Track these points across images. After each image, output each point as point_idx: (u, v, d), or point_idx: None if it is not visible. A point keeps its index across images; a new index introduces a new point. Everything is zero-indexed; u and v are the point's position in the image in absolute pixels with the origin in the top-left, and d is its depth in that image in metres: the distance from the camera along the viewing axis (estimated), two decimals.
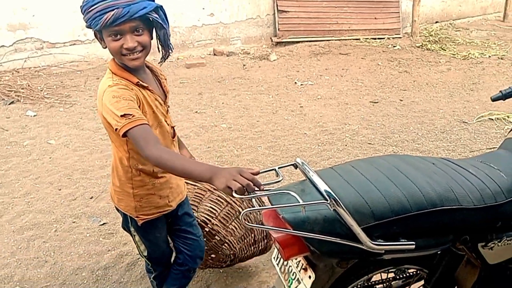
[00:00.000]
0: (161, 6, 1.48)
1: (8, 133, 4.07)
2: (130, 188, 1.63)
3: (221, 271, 2.37)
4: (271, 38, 6.81)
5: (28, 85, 5.05)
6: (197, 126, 4.20)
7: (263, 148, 3.82)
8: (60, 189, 3.20)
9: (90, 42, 5.73)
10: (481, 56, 6.33)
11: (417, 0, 6.98)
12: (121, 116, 1.37)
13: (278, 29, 6.71)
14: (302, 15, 6.77)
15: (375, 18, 7.16)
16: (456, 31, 7.87)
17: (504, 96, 1.67)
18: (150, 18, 1.45)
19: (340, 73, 5.74)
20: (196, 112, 4.52)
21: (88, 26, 1.47)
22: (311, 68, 5.95)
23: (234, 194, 1.23)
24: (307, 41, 6.80)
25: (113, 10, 1.37)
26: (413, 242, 1.24)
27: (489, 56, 6.32)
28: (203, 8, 6.28)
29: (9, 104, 4.67)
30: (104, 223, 2.83)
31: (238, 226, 2.08)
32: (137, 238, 1.77)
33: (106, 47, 1.49)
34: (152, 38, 1.54)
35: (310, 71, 5.82)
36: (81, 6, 1.45)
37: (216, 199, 2.10)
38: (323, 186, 1.17)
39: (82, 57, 5.77)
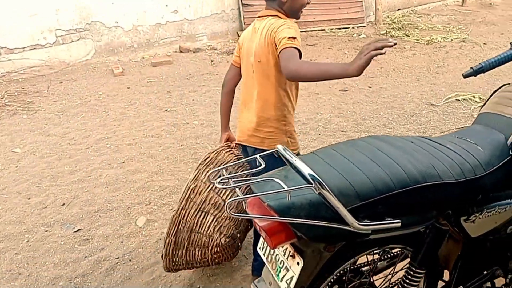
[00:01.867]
0: None
1: None
2: (283, 125, 1.93)
3: (203, 268, 2.33)
4: (237, 32, 6.76)
5: None
6: (168, 124, 4.12)
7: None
8: (29, 198, 3.07)
9: (50, 45, 5.54)
10: (444, 40, 6.48)
11: None
12: (292, 38, 1.72)
13: (244, 23, 6.67)
14: None
15: (339, 9, 7.22)
16: (418, 17, 8.03)
17: (475, 72, 1.69)
18: None
19: None
20: (166, 110, 4.43)
21: None
22: None
23: (217, 185, 1.20)
24: None
25: None
26: (399, 220, 1.23)
27: (451, 40, 6.47)
28: (166, 5, 6.16)
29: None
30: (78, 230, 2.74)
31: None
32: None
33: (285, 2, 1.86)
34: None
35: None
36: None
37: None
38: (306, 170, 1.14)
39: (43, 61, 5.57)
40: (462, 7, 8.74)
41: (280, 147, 1.26)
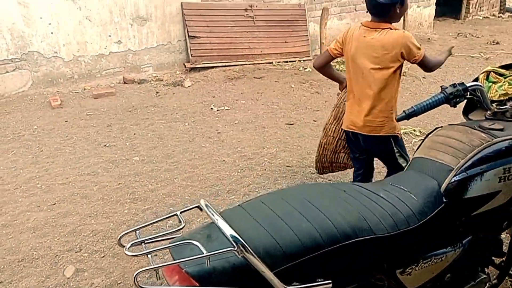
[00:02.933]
0: None
1: None
2: (391, 113, 2.47)
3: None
4: (184, 64, 6.68)
5: None
6: (106, 161, 3.91)
7: (180, 179, 3.63)
8: None
9: None
10: None
11: (323, 23, 7.26)
12: (419, 48, 2.34)
13: (191, 54, 6.61)
14: (214, 40, 6.74)
15: (286, 42, 7.33)
16: None
17: (407, 115, 1.68)
18: None
19: (255, 97, 5.74)
20: (105, 145, 4.22)
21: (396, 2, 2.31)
22: (226, 93, 5.89)
23: (126, 252, 1.06)
24: (221, 66, 6.76)
25: None
26: (329, 281, 1.15)
27: None
28: (110, 36, 6.00)
29: None
30: None
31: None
32: (398, 154, 2.56)
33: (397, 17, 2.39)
34: None
35: (226, 96, 5.75)
36: None
37: None
38: (229, 231, 1.04)
39: None
40: None
41: (202, 203, 1.16)
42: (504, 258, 1.92)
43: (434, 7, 10.45)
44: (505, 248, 1.91)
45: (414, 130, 4.54)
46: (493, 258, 1.88)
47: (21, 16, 5.37)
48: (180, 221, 1.19)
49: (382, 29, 2.36)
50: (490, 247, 1.77)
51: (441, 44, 9.10)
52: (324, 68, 2.74)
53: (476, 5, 12.34)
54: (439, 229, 1.46)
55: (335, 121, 2.97)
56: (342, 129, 2.82)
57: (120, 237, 1.12)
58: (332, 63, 2.79)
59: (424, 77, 6.57)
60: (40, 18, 5.49)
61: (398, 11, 2.36)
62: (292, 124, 4.85)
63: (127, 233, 1.20)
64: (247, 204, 1.30)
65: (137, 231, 1.19)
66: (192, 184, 3.55)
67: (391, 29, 2.34)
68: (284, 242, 1.13)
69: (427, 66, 2.41)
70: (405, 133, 4.47)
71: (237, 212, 1.25)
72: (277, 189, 3.51)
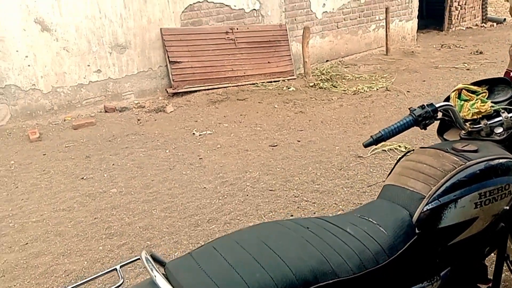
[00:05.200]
0: None
1: None
2: None
3: None
4: (166, 89, 6.61)
5: None
6: (83, 194, 3.78)
7: (158, 210, 3.51)
8: None
9: None
10: (370, 89, 6.67)
11: (305, 42, 7.26)
12: None
13: (173, 80, 6.54)
14: (196, 64, 6.69)
15: (269, 62, 7.30)
16: (345, 67, 8.30)
17: (375, 140, 1.58)
18: None
19: (238, 119, 5.66)
20: (83, 178, 4.09)
21: None
22: (209, 116, 5.81)
23: None
24: (204, 89, 6.70)
25: None
26: None
27: (377, 89, 6.67)
28: (88, 65, 5.92)
29: None
30: None
31: None
32: None
33: None
34: None
35: (208, 120, 5.67)
36: None
37: None
38: None
39: None
40: (386, 56, 9.17)
41: (143, 256, 1.04)
42: (490, 284, 1.81)
43: (417, 20, 10.53)
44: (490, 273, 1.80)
45: (399, 146, 4.46)
46: (478, 285, 1.77)
47: None
48: (119, 277, 1.07)
49: None
50: (473, 275, 1.66)
51: (424, 56, 9.14)
52: None
53: (458, 16, 12.48)
54: (413, 263, 1.35)
55: None
56: None
57: None
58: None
59: (408, 91, 6.54)
60: (16, 51, 5.41)
61: None
62: (276, 145, 4.76)
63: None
64: (197, 252, 1.18)
65: None
66: (171, 215, 3.42)
67: None
68: None
69: None
70: (389, 149, 4.40)
71: (185, 263, 1.13)
72: (259, 215, 3.39)
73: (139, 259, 1.08)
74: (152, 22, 6.34)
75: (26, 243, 3.15)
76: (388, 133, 1.58)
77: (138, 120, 5.72)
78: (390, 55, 9.25)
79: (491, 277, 1.77)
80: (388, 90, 6.64)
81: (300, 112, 5.78)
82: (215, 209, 3.51)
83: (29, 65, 5.52)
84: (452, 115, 1.70)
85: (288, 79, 7.31)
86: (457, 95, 1.82)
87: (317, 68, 7.91)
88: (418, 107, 1.61)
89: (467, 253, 1.54)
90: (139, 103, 6.32)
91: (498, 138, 1.73)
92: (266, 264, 1.10)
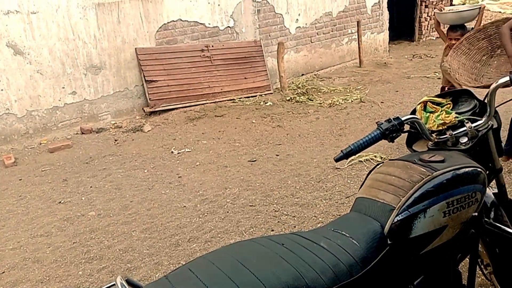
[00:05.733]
0: None
1: None
2: None
3: None
4: (143, 108, 6.60)
5: None
6: (60, 219, 3.72)
7: (138, 232, 3.48)
8: None
9: None
10: (345, 101, 6.79)
11: (280, 57, 7.37)
12: None
13: (149, 98, 6.54)
14: (172, 82, 6.71)
15: (245, 78, 7.38)
16: (321, 80, 8.44)
17: (345, 155, 1.62)
18: None
19: (217, 135, 5.68)
20: (60, 202, 4.04)
21: None
22: (187, 134, 5.81)
23: None
24: (181, 107, 6.71)
25: None
26: None
27: (352, 101, 6.80)
28: (63, 87, 5.88)
29: None
30: None
31: None
32: None
33: None
34: None
35: (187, 138, 5.67)
36: None
37: None
38: None
39: None
40: (360, 68, 9.37)
41: (118, 282, 1.05)
42: None
43: (388, 32, 10.81)
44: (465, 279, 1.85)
45: (375, 156, 4.55)
46: None
47: None
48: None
49: None
50: (446, 282, 1.70)
51: (397, 67, 9.36)
52: None
53: (428, 26, 12.85)
54: (386, 274, 1.39)
55: None
56: None
57: None
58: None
59: (382, 102, 6.68)
60: None
61: None
62: (255, 160, 4.79)
63: None
64: (173, 275, 1.19)
65: None
66: (151, 236, 3.40)
67: None
68: None
69: None
70: (365, 160, 4.47)
71: (161, 287, 1.14)
72: (240, 232, 3.40)
73: (114, 285, 1.09)
74: (126, 42, 6.35)
75: (3, 272, 3.08)
76: (358, 147, 1.63)
77: (116, 140, 5.69)
78: (364, 67, 9.45)
79: (466, 283, 1.83)
80: (363, 102, 6.77)
81: (277, 126, 5.84)
82: (195, 227, 3.51)
83: (2, 90, 5.45)
84: (418, 127, 1.76)
85: (265, 94, 7.39)
86: (422, 108, 1.89)
87: (293, 82, 8.02)
88: (385, 121, 1.67)
89: (439, 261, 1.58)
90: (116, 123, 6.29)
91: (463, 147, 1.80)
92: (241, 283, 1.12)
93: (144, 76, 6.48)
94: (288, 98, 7.06)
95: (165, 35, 6.75)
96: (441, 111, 1.84)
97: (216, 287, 1.11)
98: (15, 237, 3.53)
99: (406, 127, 1.77)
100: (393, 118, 1.66)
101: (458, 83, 2.94)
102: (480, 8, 4.64)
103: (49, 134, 5.85)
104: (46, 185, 4.45)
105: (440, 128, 1.82)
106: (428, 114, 1.86)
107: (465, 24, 4.71)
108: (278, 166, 4.59)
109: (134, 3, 6.33)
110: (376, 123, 1.68)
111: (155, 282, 1.19)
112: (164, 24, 6.69)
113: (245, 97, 7.21)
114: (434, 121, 1.82)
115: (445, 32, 4.79)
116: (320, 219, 3.48)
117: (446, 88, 5.06)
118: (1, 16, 5.32)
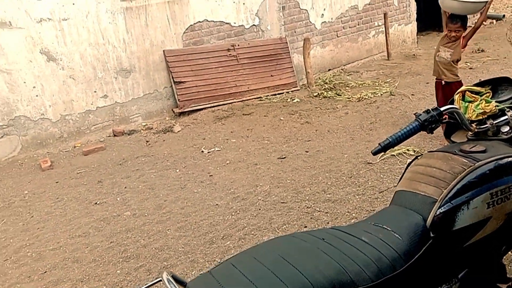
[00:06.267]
0: None
1: None
2: None
3: None
4: (172, 109, 6.69)
5: None
6: (97, 219, 3.81)
7: (172, 230, 3.53)
8: None
9: None
10: (374, 95, 6.69)
11: (306, 53, 7.32)
12: None
13: (179, 99, 6.62)
14: (200, 83, 6.77)
15: (272, 76, 7.36)
16: (348, 75, 8.33)
17: (383, 148, 1.60)
18: None
19: (245, 134, 5.70)
20: (96, 203, 4.14)
21: None
22: (216, 133, 5.85)
23: None
24: (209, 107, 6.76)
25: None
26: None
27: (381, 95, 6.69)
28: (95, 91, 6.02)
29: None
30: None
31: None
32: None
33: None
34: None
35: (216, 137, 5.71)
36: None
37: None
38: None
39: None
40: (388, 61, 9.20)
41: (164, 277, 1.07)
42: (510, 284, 1.80)
43: (415, 23, 10.58)
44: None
45: (408, 150, 4.46)
46: (498, 285, 1.76)
47: (5, 83, 5.40)
48: None
49: None
50: (491, 275, 1.66)
51: (426, 59, 9.14)
52: None
53: None
54: (430, 267, 1.36)
55: None
56: None
57: None
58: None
59: (412, 94, 6.55)
60: (24, 83, 5.52)
61: None
62: (284, 157, 4.78)
63: None
64: (216, 270, 1.20)
65: None
66: (185, 234, 3.44)
67: None
68: None
69: None
70: (398, 154, 4.40)
71: (205, 282, 1.15)
72: (273, 228, 3.40)
73: (161, 280, 1.10)
74: (154, 45, 6.45)
75: (45, 272, 3.19)
76: (396, 140, 1.60)
77: (147, 141, 5.78)
78: (392, 59, 9.28)
79: (511, 276, 1.77)
80: (393, 95, 6.65)
81: (306, 122, 5.81)
82: (228, 225, 3.53)
83: (37, 95, 5.62)
84: (457, 117, 1.72)
85: (292, 91, 7.36)
86: (461, 97, 1.84)
87: (319, 78, 7.95)
88: (423, 111, 1.63)
89: (483, 253, 1.54)
90: (146, 124, 6.39)
91: (505, 136, 1.74)
92: (285, 278, 1.12)
93: (172, 78, 6.56)
94: (315, 94, 7.01)
95: (192, 36, 6.81)
96: (481, 100, 1.79)
97: (260, 281, 1.11)
98: (55, 238, 3.64)
99: (445, 118, 1.73)
100: (432, 109, 1.63)
101: None
102: (487, 1, 4.19)
103: (82, 137, 6.00)
104: (82, 187, 4.57)
105: (480, 117, 1.77)
106: (467, 103, 1.81)
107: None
108: (308, 163, 4.56)
109: (160, 5, 6.42)
110: (415, 114, 1.65)
111: (199, 277, 1.21)
112: (191, 25, 6.75)
113: (272, 95, 7.20)
114: (474, 110, 1.77)
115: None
116: (353, 214, 3.44)
117: (435, 79, 4.91)
118: (35, 24, 5.49)
